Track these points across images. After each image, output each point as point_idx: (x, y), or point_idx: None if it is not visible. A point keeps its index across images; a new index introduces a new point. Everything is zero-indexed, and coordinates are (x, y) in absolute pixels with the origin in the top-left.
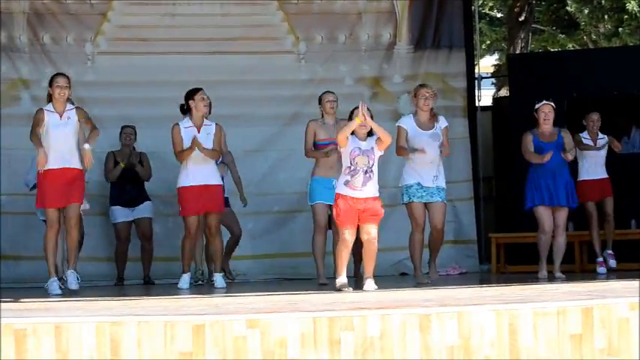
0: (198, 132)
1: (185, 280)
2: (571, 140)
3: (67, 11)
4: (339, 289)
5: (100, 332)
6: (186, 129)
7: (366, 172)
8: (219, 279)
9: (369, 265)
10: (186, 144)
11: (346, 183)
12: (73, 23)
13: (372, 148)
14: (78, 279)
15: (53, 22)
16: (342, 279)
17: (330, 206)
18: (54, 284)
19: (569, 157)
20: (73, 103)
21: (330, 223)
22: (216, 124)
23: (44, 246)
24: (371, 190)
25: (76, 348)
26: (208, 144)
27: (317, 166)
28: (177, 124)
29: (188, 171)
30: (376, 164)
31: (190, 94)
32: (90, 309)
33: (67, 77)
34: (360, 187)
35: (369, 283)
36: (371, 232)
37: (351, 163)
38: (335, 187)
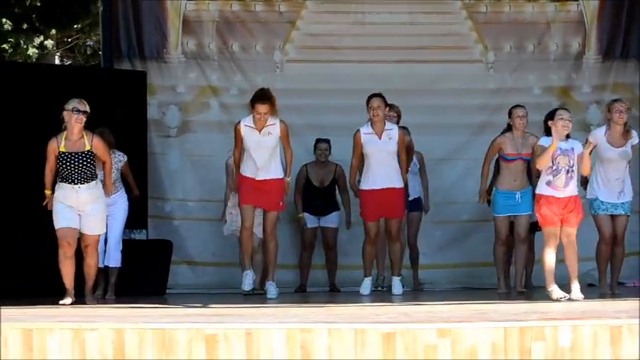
0: (380, 138)
1: (366, 286)
2: None
3: (257, 19)
4: (556, 300)
5: (290, 339)
6: (366, 135)
7: (567, 171)
8: (396, 283)
9: (573, 269)
10: (366, 149)
11: (548, 183)
12: (261, 31)
13: (572, 149)
14: (277, 290)
15: (242, 30)
16: (557, 290)
17: (511, 218)
18: (248, 277)
19: None
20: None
21: (513, 233)
22: (399, 127)
23: (239, 244)
24: (572, 189)
25: (266, 354)
26: (391, 147)
27: (500, 178)
28: (359, 130)
29: (370, 173)
30: (576, 164)
31: (367, 102)
32: (280, 315)
33: (270, 102)
34: (563, 187)
35: (576, 291)
36: (571, 234)
37: (552, 163)
38: (518, 200)
